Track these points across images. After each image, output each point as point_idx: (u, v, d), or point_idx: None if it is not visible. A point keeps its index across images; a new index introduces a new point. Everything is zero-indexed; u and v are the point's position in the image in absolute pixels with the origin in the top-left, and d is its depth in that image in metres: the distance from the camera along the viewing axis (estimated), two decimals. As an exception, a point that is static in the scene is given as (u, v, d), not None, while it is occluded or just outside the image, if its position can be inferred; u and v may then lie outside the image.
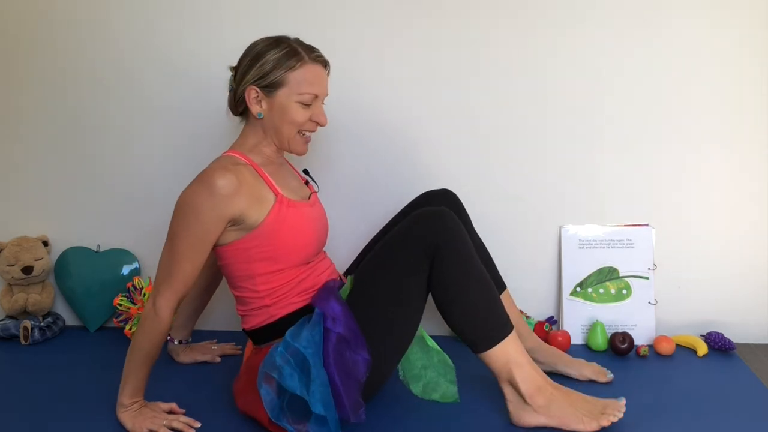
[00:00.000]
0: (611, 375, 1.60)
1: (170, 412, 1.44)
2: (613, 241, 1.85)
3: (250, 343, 1.51)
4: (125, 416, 1.40)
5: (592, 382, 1.59)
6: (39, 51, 1.92)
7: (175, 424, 1.39)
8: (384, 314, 1.36)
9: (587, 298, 1.85)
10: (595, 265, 1.85)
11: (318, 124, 1.43)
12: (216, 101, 1.78)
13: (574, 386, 1.46)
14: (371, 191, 1.89)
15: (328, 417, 1.27)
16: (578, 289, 1.86)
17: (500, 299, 1.40)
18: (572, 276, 1.86)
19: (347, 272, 1.65)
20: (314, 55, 1.40)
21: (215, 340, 1.83)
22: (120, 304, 1.87)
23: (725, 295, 1.84)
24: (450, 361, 1.49)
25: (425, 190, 1.66)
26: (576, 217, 1.87)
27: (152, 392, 1.45)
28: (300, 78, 1.37)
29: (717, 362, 1.70)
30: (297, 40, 1.42)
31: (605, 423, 1.34)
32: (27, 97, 1.95)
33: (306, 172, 1.61)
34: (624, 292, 1.84)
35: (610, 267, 1.85)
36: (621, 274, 1.84)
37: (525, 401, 1.36)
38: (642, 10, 1.76)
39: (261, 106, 1.40)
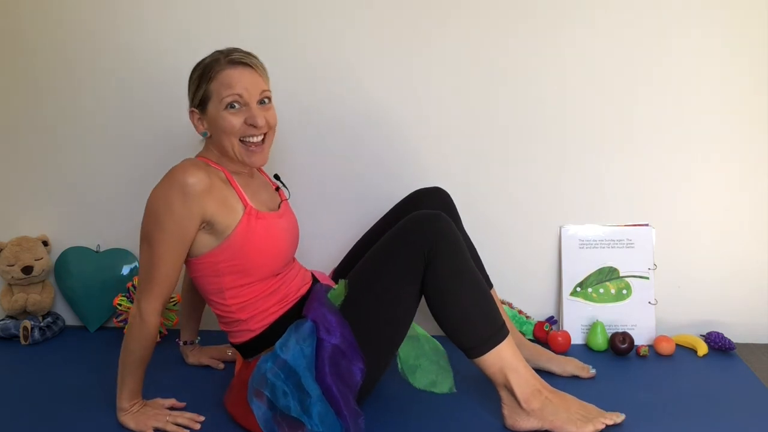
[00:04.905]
0: (594, 370, 1.60)
1: (171, 409, 1.44)
2: (613, 241, 1.85)
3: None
4: (127, 419, 1.40)
5: (575, 377, 1.60)
6: (39, 52, 1.92)
7: (180, 420, 1.39)
8: (378, 319, 1.36)
9: (587, 298, 1.85)
10: (595, 265, 1.85)
11: (253, 126, 1.34)
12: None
13: (557, 382, 1.46)
14: (366, 190, 1.88)
15: None
16: (578, 289, 1.86)
17: (495, 304, 1.38)
18: (572, 276, 1.86)
19: (338, 273, 1.63)
20: (230, 59, 1.35)
21: None
22: (120, 304, 1.87)
23: (725, 295, 1.84)
24: (440, 346, 1.49)
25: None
26: (576, 217, 1.87)
27: (148, 394, 1.45)
28: (218, 85, 1.34)
29: (717, 362, 1.70)
30: (223, 50, 1.38)
31: (599, 426, 1.33)
32: (26, 97, 1.95)
33: (277, 177, 1.57)
34: (624, 292, 1.84)
35: (610, 267, 1.85)
36: (621, 274, 1.84)
37: (520, 405, 1.36)
38: (642, 14, 1.76)
39: (203, 125, 1.39)
